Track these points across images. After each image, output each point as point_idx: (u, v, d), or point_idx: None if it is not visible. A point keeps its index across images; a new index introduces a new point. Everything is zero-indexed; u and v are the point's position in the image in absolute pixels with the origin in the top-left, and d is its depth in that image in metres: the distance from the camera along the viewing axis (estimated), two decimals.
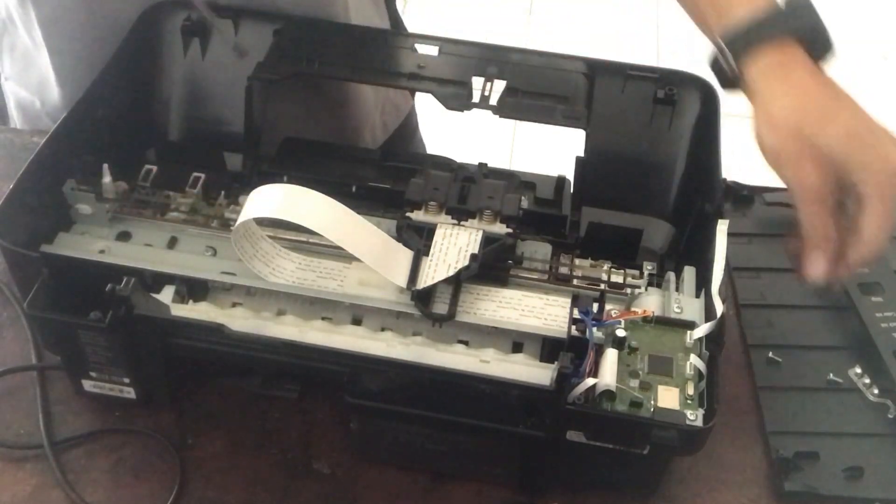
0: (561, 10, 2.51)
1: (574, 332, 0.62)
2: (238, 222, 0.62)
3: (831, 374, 0.72)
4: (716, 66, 0.68)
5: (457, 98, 0.74)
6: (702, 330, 0.62)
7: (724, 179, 0.70)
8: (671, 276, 0.68)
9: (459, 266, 0.65)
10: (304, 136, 0.81)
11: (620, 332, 0.61)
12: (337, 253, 0.65)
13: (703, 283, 0.65)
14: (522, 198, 0.71)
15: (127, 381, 0.66)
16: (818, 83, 0.65)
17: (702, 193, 0.70)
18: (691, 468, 0.68)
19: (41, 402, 0.69)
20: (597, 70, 0.76)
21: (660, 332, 0.62)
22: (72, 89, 0.82)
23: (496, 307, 0.65)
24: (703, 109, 0.75)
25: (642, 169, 0.75)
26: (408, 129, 1.04)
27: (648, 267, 0.69)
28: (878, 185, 0.61)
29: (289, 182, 0.66)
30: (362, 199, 0.73)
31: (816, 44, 0.66)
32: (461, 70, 0.75)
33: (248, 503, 0.65)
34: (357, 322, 0.66)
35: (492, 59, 0.76)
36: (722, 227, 0.64)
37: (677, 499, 0.67)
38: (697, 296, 0.65)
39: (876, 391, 0.71)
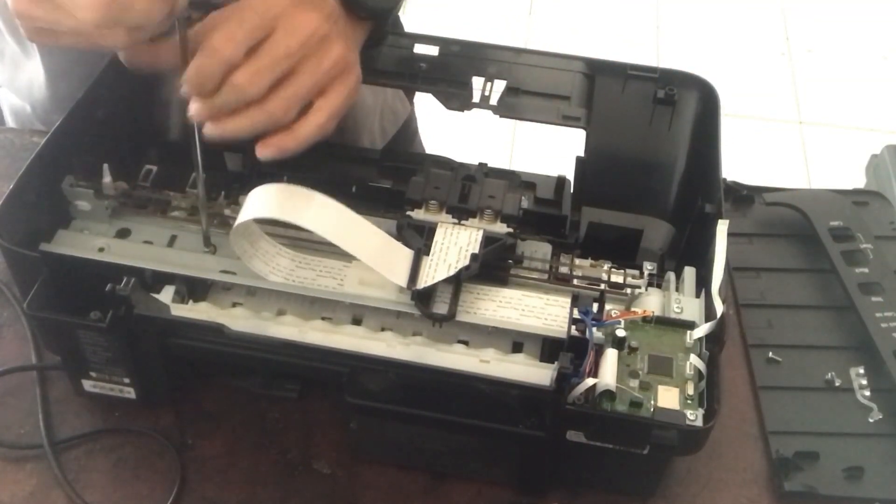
0: (561, 10, 2.51)
1: (574, 332, 0.62)
2: (237, 222, 0.62)
3: (831, 374, 0.72)
4: None
5: (457, 98, 0.74)
6: (702, 330, 0.62)
7: (724, 179, 0.70)
8: (671, 276, 0.68)
9: (460, 266, 0.65)
10: None
11: (620, 332, 0.61)
12: (337, 251, 0.65)
13: (703, 283, 0.65)
14: (523, 197, 0.71)
15: (127, 381, 0.66)
16: None
17: (702, 193, 0.70)
18: (691, 468, 0.68)
19: (41, 402, 0.69)
20: (597, 70, 0.76)
21: (660, 332, 0.62)
22: (65, 89, 0.82)
23: (496, 307, 0.65)
24: (703, 109, 0.75)
25: (642, 169, 0.76)
26: (406, 134, 1.04)
27: (648, 267, 0.69)
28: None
29: (289, 182, 0.66)
30: (362, 199, 0.72)
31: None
32: (461, 70, 0.75)
33: (248, 503, 0.65)
34: (357, 322, 0.66)
35: (492, 59, 0.76)
36: (722, 227, 0.64)
37: (677, 499, 0.67)
38: (697, 296, 0.65)
39: (867, 393, 0.71)
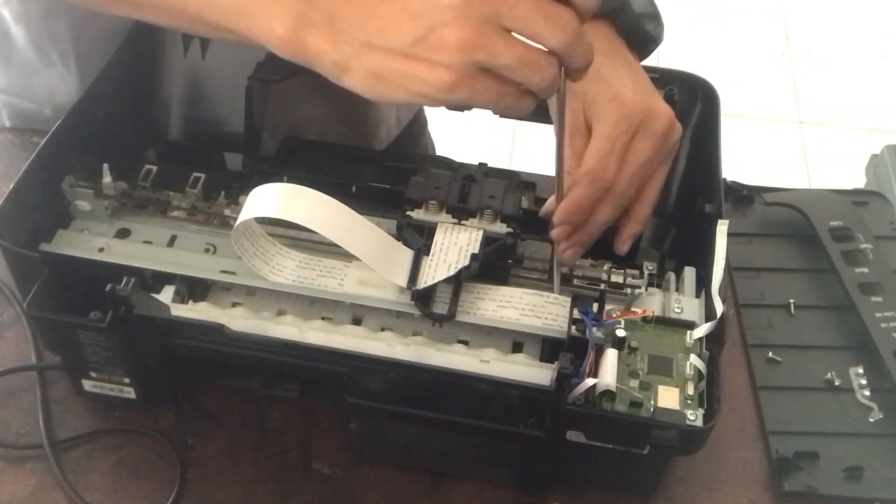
0: None
1: (574, 332, 0.62)
2: (238, 222, 0.62)
3: (831, 374, 0.72)
4: None
5: None
6: (702, 330, 0.62)
7: (724, 179, 0.70)
8: (671, 276, 0.68)
9: (460, 266, 0.65)
10: (327, 134, 0.84)
11: (620, 332, 0.61)
12: (337, 251, 0.65)
13: (703, 283, 0.65)
14: (523, 197, 0.71)
15: (127, 381, 0.66)
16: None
17: (702, 193, 0.70)
18: (691, 468, 0.68)
19: (41, 402, 0.69)
20: None
21: (660, 332, 0.62)
22: None
23: (496, 307, 0.65)
24: (703, 109, 0.75)
25: None
26: (417, 125, 1.05)
27: (648, 267, 0.69)
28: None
29: (289, 182, 0.66)
30: (362, 199, 0.72)
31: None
32: None
33: (248, 503, 0.65)
34: (357, 322, 0.66)
35: None
36: (722, 228, 0.64)
37: (677, 499, 0.67)
38: (697, 296, 0.65)
39: (867, 393, 0.71)
